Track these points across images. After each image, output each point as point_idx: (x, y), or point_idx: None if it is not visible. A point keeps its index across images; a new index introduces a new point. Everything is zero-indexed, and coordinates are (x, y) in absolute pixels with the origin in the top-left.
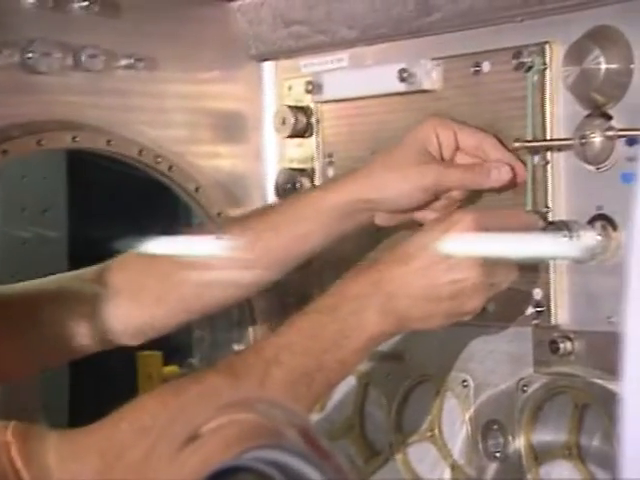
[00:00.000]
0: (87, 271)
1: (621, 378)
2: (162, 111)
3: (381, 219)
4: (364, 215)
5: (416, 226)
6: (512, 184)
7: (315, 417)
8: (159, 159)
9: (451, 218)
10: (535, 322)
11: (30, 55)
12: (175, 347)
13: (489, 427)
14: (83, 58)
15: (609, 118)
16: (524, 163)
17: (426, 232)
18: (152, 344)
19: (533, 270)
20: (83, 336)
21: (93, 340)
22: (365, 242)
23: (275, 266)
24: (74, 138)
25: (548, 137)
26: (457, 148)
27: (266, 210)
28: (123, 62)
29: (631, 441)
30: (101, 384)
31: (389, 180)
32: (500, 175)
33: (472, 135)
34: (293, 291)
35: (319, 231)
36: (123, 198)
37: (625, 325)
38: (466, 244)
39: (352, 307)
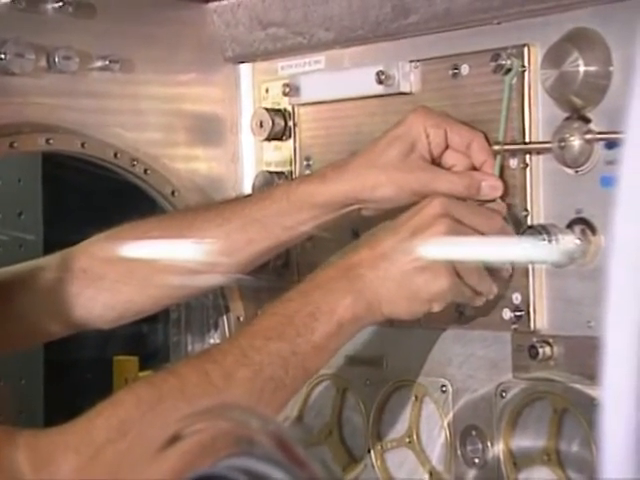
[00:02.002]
0: (57, 256)
1: (601, 384)
2: (138, 113)
3: (368, 211)
4: (351, 208)
5: None
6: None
7: (293, 422)
8: (135, 162)
9: (419, 203)
10: (514, 327)
11: (2, 56)
12: (151, 352)
13: (468, 433)
14: (57, 59)
15: (588, 121)
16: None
17: (395, 220)
18: (128, 349)
19: (512, 274)
20: (54, 320)
21: (65, 324)
22: (341, 246)
23: (257, 255)
24: (48, 140)
25: (527, 140)
26: (446, 147)
27: (251, 201)
28: (98, 64)
29: (610, 446)
30: (77, 389)
31: (379, 182)
32: (489, 190)
33: (462, 135)
34: (271, 296)
35: (308, 223)
36: (99, 201)
37: (605, 330)
38: (441, 246)
39: (323, 292)
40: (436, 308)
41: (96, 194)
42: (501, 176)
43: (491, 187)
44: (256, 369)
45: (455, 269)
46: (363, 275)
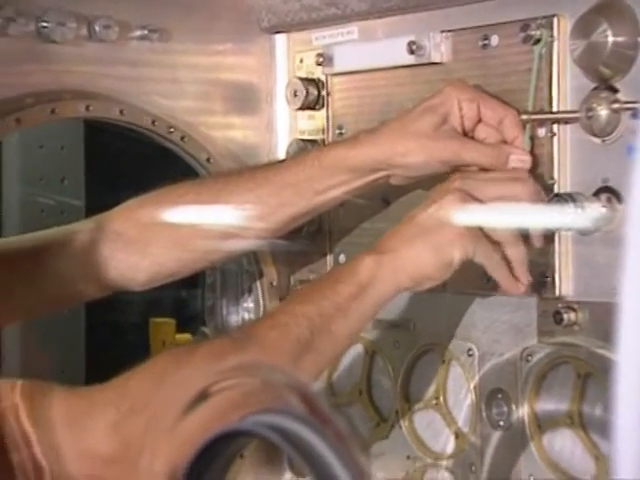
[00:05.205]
0: (93, 220)
1: (617, 347)
2: (175, 82)
3: (397, 180)
4: (381, 174)
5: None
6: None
7: (324, 383)
8: (172, 129)
9: (440, 191)
10: (540, 293)
11: (44, 24)
12: (187, 315)
13: (493, 396)
14: (97, 28)
15: (615, 91)
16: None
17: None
18: (166, 311)
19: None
20: (88, 282)
21: (99, 285)
22: (372, 213)
23: (289, 220)
24: (87, 107)
25: (555, 110)
26: (479, 121)
27: (283, 166)
28: (137, 33)
29: (626, 410)
30: (116, 350)
31: (410, 148)
32: (518, 164)
33: (495, 110)
34: (303, 262)
35: (339, 187)
36: (138, 167)
37: (622, 295)
38: (471, 213)
39: (348, 264)
40: (458, 255)
41: (135, 160)
42: (531, 146)
43: (520, 161)
44: (282, 330)
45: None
46: (384, 242)
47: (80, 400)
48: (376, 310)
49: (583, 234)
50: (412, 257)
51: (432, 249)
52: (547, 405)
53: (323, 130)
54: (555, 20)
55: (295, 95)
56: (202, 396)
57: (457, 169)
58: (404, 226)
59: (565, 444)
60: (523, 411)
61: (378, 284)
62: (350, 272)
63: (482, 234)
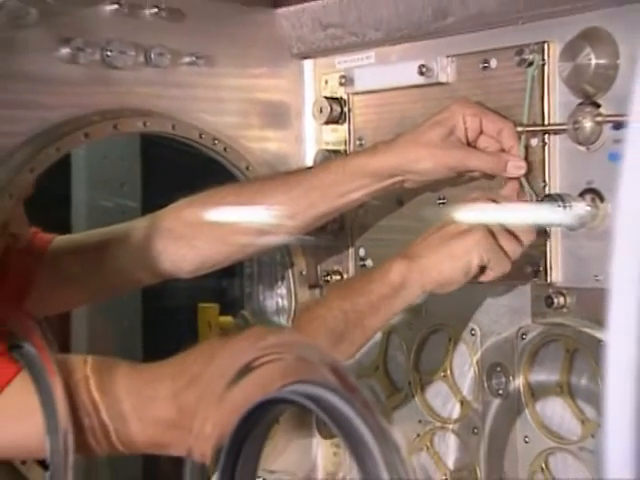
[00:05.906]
0: (147, 218)
1: (606, 327)
2: (219, 101)
3: (410, 184)
4: (397, 179)
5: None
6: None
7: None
8: (216, 142)
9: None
10: (533, 280)
11: (108, 53)
12: (229, 301)
13: (493, 369)
14: (153, 56)
15: (598, 106)
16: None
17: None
18: (211, 297)
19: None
20: (144, 271)
21: (153, 274)
22: (388, 212)
23: (316, 218)
24: (144, 123)
25: (546, 122)
26: (481, 132)
27: (311, 172)
28: (186, 59)
29: (614, 381)
30: (168, 331)
31: (421, 156)
32: (514, 169)
33: (495, 123)
34: (328, 254)
35: (360, 190)
36: (186, 174)
37: (611, 282)
38: (473, 215)
39: (380, 267)
40: (475, 261)
41: (184, 168)
42: (525, 154)
43: (516, 167)
44: (320, 322)
45: (487, 232)
46: (412, 249)
47: (142, 374)
48: (403, 308)
49: (571, 229)
50: (436, 264)
51: (453, 257)
52: (540, 376)
53: (345, 142)
54: (546, 46)
55: (321, 111)
56: (246, 370)
57: (462, 174)
58: (431, 235)
59: (555, 410)
60: (519, 382)
61: (407, 286)
62: (382, 274)
63: (496, 244)
